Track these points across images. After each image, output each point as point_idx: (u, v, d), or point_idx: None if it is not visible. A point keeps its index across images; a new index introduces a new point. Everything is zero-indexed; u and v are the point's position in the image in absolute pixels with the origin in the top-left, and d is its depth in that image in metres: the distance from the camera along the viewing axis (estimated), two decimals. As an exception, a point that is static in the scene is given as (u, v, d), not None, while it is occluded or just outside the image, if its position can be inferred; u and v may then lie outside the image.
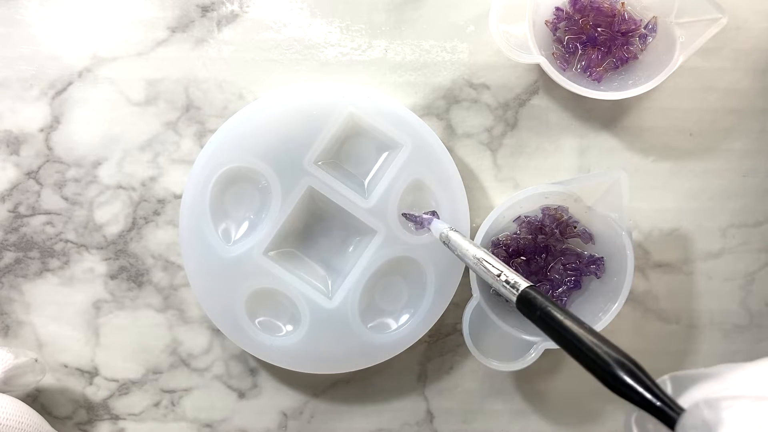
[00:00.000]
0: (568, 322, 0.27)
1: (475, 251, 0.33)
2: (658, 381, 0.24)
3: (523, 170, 0.41)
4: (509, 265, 0.38)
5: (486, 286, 0.38)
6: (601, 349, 0.26)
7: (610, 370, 0.25)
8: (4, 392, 0.36)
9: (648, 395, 0.24)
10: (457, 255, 0.34)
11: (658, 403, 0.23)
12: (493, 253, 0.38)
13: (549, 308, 0.28)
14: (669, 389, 0.24)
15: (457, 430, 0.41)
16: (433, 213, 0.38)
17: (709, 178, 0.41)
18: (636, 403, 0.24)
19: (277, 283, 0.38)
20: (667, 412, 0.23)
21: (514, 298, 0.30)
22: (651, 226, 0.41)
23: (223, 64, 0.40)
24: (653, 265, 0.41)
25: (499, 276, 0.31)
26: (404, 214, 0.38)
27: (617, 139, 0.41)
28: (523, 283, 0.30)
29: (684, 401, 0.23)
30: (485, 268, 0.32)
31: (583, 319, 0.38)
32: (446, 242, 0.35)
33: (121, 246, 0.41)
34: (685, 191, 0.41)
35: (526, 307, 0.29)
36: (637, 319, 0.41)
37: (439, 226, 0.36)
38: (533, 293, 0.29)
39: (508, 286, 0.30)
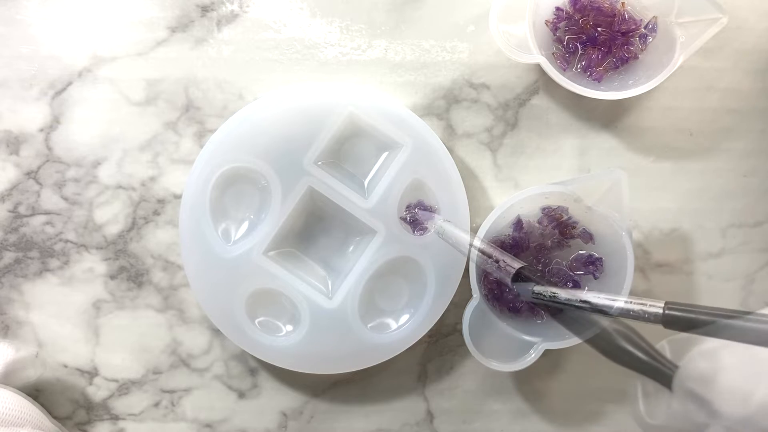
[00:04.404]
0: (562, 295, 0.29)
1: (469, 239, 0.35)
2: (657, 346, 0.24)
3: (523, 170, 0.41)
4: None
5: (487, 286, 0.38)
6: (594, 318, 0.27)
7: (608, 338, 0.25)
8: (4, 386, 0.36)
9: (643, 356, 0.24)
10: (452, 245, 0.36)
11: (654, 363, 0.23)
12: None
13: (542, 286, 0.30)
14: (667, 353, 0.24)
15: (457, 430, 0.41)
16: (425, 207, 0.38)
17: (709, 178, 0.41)
18: (633, 367, 0.24)
19: (277, 283, 0.38)
20: (663, 371, 0.23)
21: (509, 279, 0.32)
22: (651, 226, 0.41)
23: (223, 63, 0.40)
24: (653, 265, 0.41)
25: (491, 258, 0.33)
26: (401, 218, 0.38)
27: (617, 139, 0.41)
28: (516, 264, 0.32)
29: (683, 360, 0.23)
30: (480, 254, 0.34)
31: (582, 318, 0.38)
32: (441, 234, 0.37)
33: (121, 246, 0.41)
34: (685, 191, 0.41)
35: (521, 286, 0.32)
36: (637, 319, 0.41)
37: (435, 221, 0.37)
38: (525, 272, 0.32)
39: (502, 268, 0.33)
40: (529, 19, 0.37)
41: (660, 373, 0.23)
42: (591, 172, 0.41)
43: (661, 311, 0.28)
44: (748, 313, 0.25)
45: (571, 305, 0.31)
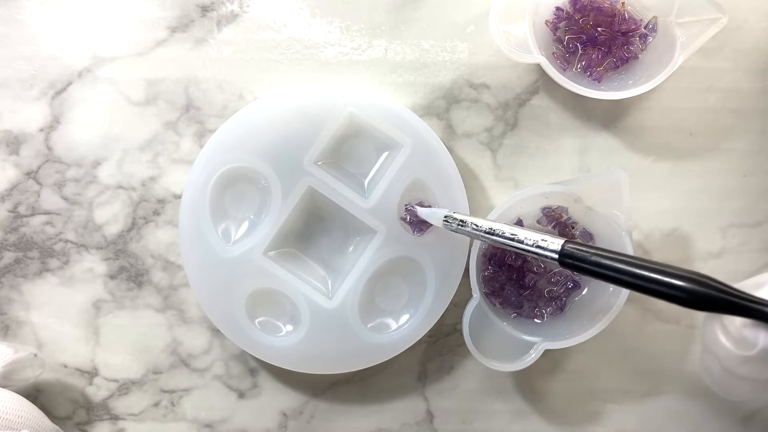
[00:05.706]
0: (623, 264, 0.28)
1: (491, 225, 0.33)
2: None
3: (523, 170, 0.41)
4: (509, 267, 0.38)
5: (487, 286, 0.38)
6: (670, 274, 0.26)
7: (691, 290, 0.26)
8: (3, 387, 0.36)
9: (736, 300, 0.25)
10: (471, 235, 0.34)
11: (752, 305, 0.25)
12: (492, 255, 0.38)
13: (598, 256, 0.29)
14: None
15: (457, 430, 0.41)
16: (420, 204, 0.38)
17: (709, 178, 0.41)
18: (725, 310, 0.26)
19: (277, 283, 0.38)
20: (761, 309, 0.25)
21: (556, 256, 0.30)
22: (651, 226, 0.41)
23: (223, 64, 0.40)
24: (653, 265, 0.41)
25: (525, 241, 0.31)
26: (402, 218, 0.38)
27: (617, 139, 0.41)
28: (559, 241, 0.30)
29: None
30: (508, 238, 0.32)
31: (583, 319, 0.38)
32: (456, 227, 0.35)
33: (121, 246, 0.41)
34: (685, 191, 0.41)
35: (573, 261, 0.30)
36: (637, 319, 0.41)
37: (438, 213, 0.36)
38: (574, 247, 0.30)
39: (542, 249, 0.31)
40: (529, 19, 0.37)
41: (755, 311, 0.25)
42: (591, 172, 0.41)
43: (559, 248, 0.30)
44: (653, 262, 0.27)
45: (476, 234, 0.34)
